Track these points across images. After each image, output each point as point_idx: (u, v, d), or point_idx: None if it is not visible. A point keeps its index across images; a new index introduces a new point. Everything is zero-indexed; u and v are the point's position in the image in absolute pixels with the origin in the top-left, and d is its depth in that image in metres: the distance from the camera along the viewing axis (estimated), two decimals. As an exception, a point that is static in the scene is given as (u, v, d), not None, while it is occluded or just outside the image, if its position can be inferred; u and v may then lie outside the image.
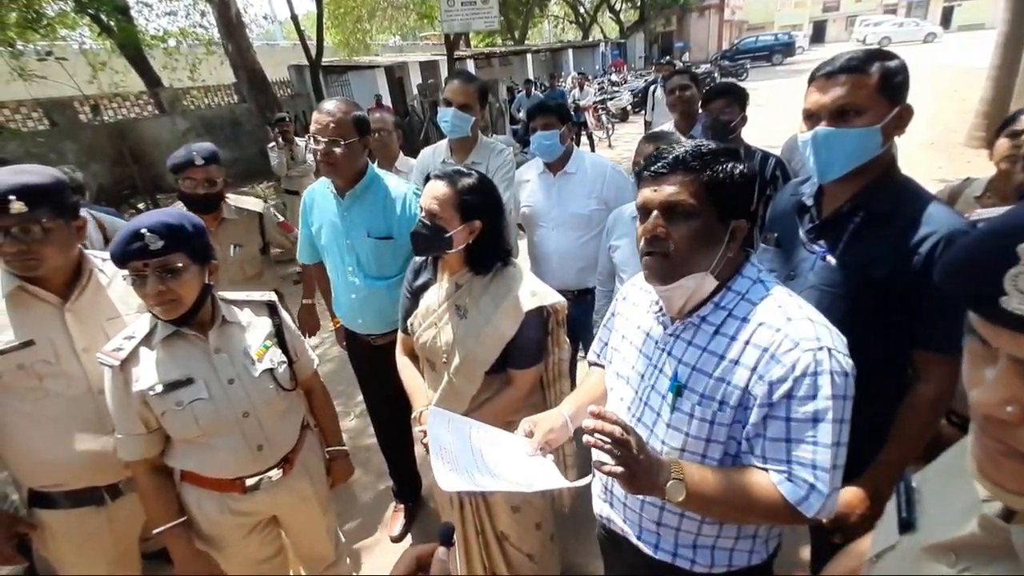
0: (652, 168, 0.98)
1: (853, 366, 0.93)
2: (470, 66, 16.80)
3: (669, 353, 1.04)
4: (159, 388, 1.32)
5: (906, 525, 0.65)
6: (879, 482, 1.18)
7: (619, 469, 0.85)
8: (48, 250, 1.36)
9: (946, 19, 36.71)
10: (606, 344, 1.31)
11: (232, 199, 2.39)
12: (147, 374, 1.33)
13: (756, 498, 0.92)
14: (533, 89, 11.61)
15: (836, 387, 0.89)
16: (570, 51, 23.40)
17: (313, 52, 11.02)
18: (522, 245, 2.26)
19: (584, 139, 10.43)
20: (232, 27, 9.16)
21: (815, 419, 0.90)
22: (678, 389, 1.00)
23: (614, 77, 18.69)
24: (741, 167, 0.96)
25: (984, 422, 0.48)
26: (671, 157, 0.96)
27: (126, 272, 1.29)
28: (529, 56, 20.85)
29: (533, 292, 1.49)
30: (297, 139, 5.73)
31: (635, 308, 1.19)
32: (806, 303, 1.00)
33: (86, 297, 1.47)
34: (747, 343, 0.94)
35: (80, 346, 1.44)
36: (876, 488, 1.17)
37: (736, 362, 0.95)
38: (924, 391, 1.17)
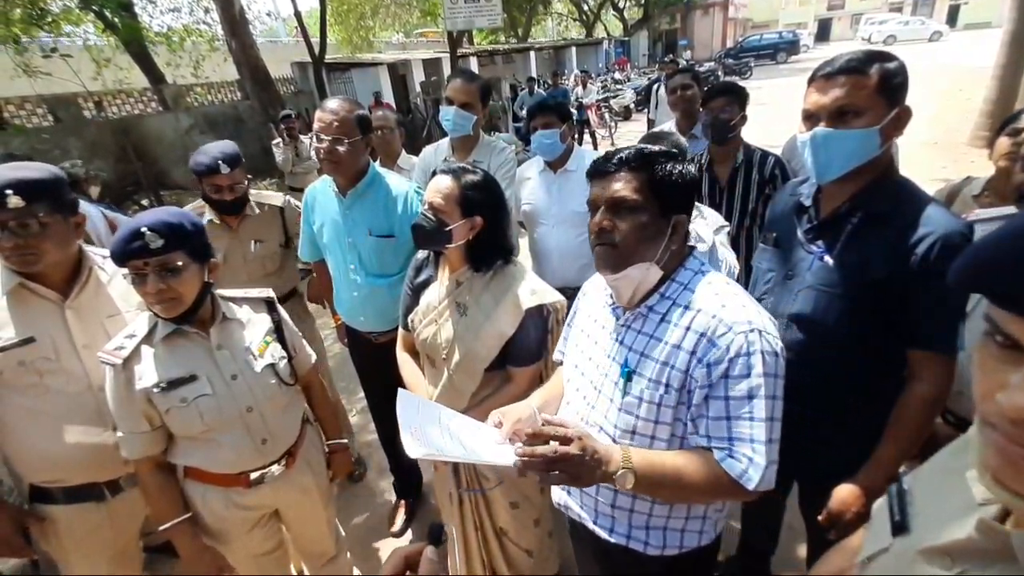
0: (599, 168, 1.08)
1: (783, 347, 1.02)
2: (473, 64, 16.78)
3: (621, 342, 1.12)
4: (163, 385, 1.34)
5: (899, 527, 0.65)
6: (874, 480, 1.18)
7: (564, 477, 0.92)
8: (46, 245, 1.36)
9: (952, 17, 36.49)
10: (566, 339, 1.38)
11: (253, 195, 2.38)
12: (150, 372, 1.34)
13: (702, 476, 0.99)
14: (536, 87, 11.59)
15: (767, 365, 0.97)
16: (573, 49, 23.34)
17: (316, 49, 11.02)
18: (523, 243, 2.27)
19: (587, 137, 10.42)
20: (235, 24, 9.16)
21: (750, 396, 0.97)
22: (628, 375, 1.08)
23: (617, 75, 18.65)
24: (680, 167, 1.05)
25: (1012, 427, 0.45)
26: (616, 158, 1.06)
27: (126, 270, 1.30)
28: (532, 54, 20.79)
29: (533, 290, 1.50)
30: (302, 136, 5.74)
31: (592, 303, 1.27)
32: (742, 290, 1.08)
33: (86, 294, 1.48)
34: (688, 329, 1.02)
35: (80, 343, 1.45)
36: (871, 486, 1.18)
37: (678, 347, 1.03)
38: (920, 390, 1.18)
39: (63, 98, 8.64)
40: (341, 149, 1.85)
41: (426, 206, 1.48)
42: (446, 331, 1.54)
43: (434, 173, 1.54)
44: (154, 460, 1.42)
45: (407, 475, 2.52)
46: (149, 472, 1.42)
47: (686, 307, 1.05)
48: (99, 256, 1.56)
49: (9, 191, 1.27)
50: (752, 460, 0.97)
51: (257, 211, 2.33)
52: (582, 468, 0.92)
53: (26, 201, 1.30)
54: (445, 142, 2.51)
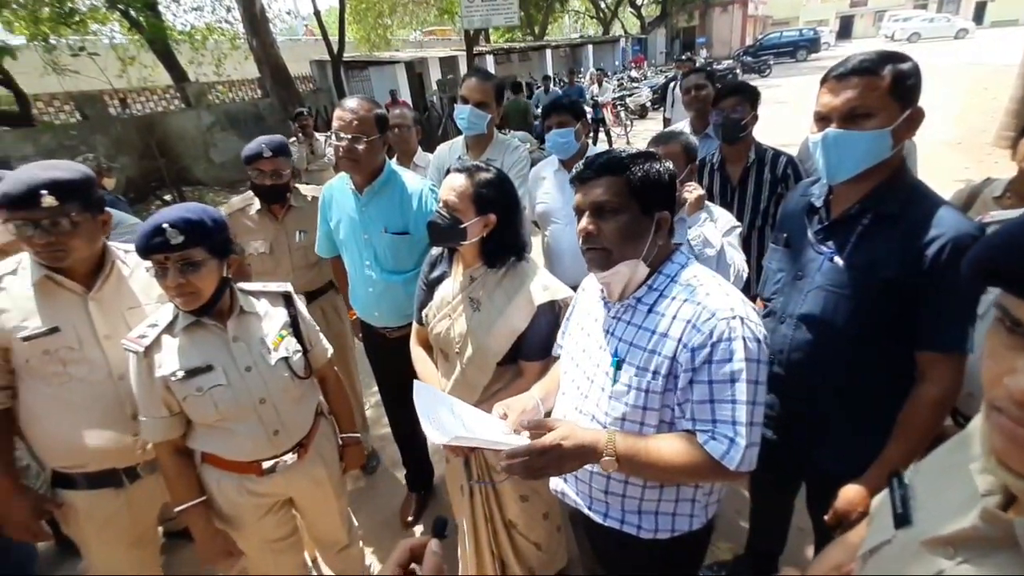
0: (580, 176, 1.14)
1: (766, 334, 1.07)
2: (489, 62, 16.80)
3: (612, 333, 1.18)
4: (180, 374, 1.38)
5: (902, 520, 0.67)
6: (881, 481, 1.17)
7: (550, 473, 1.03)
8: (75, 242, 1.41)
9: (979, 15, 35.62)
10: (564, 332, 1.43)
11: (303, 188, 2.50)
12: (169, 360, 1.39)
13: (686, 458, 1.04)
14: (552, 85, 11.58)
15: (749, 351, 1.02)
16: (590, 47, 23.26)
17: (335, 48, 11.14)
18: (535, 242, 2.28)
19: (602, 135, 10.39)
20: (256, 22, 9.31)
21: (732, 379, 1.02)
22: (618, 363, 1.14)
23: (634, 73, 18.54)
24: (658, 166, 1.11)
25: (1019, 410, 0.47)
26: (595, 165, 1.12)
27: (149, 264, 1.34)
28: (548, 52, 20.77)
29: (545, 286, 1.52)
30: (317, 134, 5.81)
31: (588, 298, 1.32)
32: (725, 281, 1.14)
33: (108, 287, 1.52)
34: (674, 318, 1.08)
35: (102, 333, 1.49)
36: (878, 486, 1.17)
37: (665, 335, 1.08)
38: (928, 391, 1.17)
39: (90, 95, 8.87)
40: (360, 147, 1.89)
41: (441, 204, 1.51)
42: (459, 326, 1.56)
43: (448, 171, 1.56)
44: (173, 444, 1.47)
45: (419, 468, 2.55)
46: (168, 456, 1.47)
47: (672, 297, 1.10)
48: (121, 250, 1.61)
49: (44, 191, 1.31)
50: (733, 441, 1.02)
51: (302, 203, 2.43)
52: (564, 462, 1.02)
53: (59, 201, 1.34)
54: (459, 140, 2.53)
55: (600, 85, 11.53)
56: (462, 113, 2.33)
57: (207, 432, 1.47)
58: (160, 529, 1.94)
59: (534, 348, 1.55)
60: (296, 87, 10.97)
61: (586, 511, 1.26)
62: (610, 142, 10.47)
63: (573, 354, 1.30)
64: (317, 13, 11.38)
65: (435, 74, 15.51)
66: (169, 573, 1.99)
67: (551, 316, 1.54)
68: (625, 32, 28.79)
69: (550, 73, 15.88)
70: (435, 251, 1.72)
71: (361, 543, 1.99)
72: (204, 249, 1.34)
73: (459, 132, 2.51)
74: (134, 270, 1.59)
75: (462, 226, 1.47)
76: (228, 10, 11.40)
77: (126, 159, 8.69)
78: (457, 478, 1.79)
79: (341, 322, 2.63)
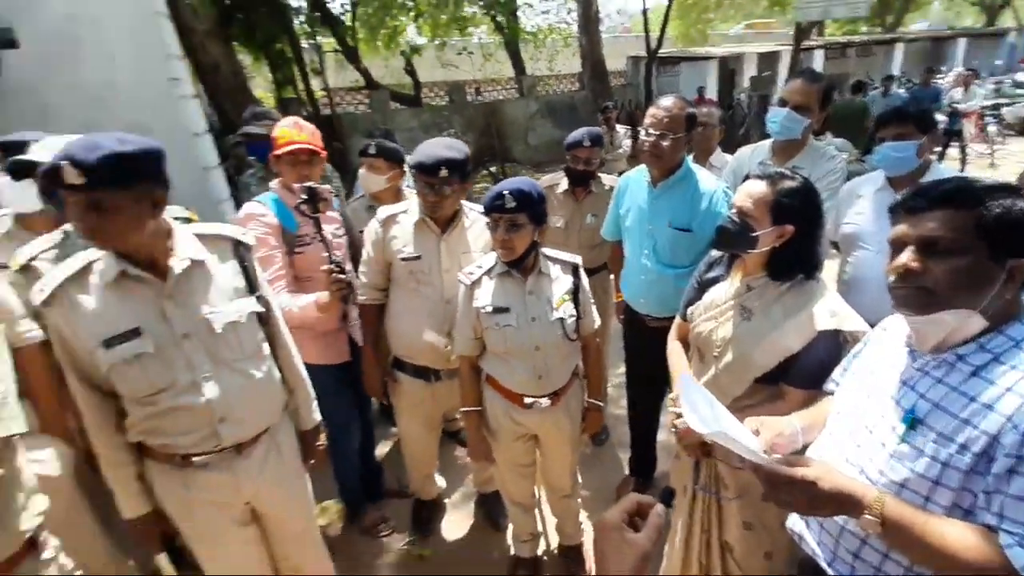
0: (909, 203, 0.99)
1: None
2: (818, 58, 14.85)
3: (912, 387, 1.02)
4: (489, 309, 1.76)
5: None
6: None
7: (795, 505, 0.95)
8: (449, 202, 1.92)
9: None
10: (846, 370, 1.28)
11: (604, 177, 2.85)
12: (484, 297, 1.78)
13: (972, 554, 0.86)
14: (894, 87, 9.53)
15: None
16: (962, 41, 18.25)
17: (654, 44, 11.44)
18: (829, 265, 2.05)
19: (954, 152, 8.21)
20: (589, 22, 10.22)
21: None
22: (912, 422, 0.98)
23: (1021, 77, 13.78)
24: (1022, 204, 0.90)
25: None
26: (933, 193, 0.96)
27: (485, 220, 1.73)
28: (900, 47, 17.10)
29: (833, 312, 1.40)
30: (618, 126, 6.15)
31: (889, 338, 1.17)
32: None
33: (455, 233, 2.01)
34: (1008, 390, 0.89)
35: (444, 266, 1.98)
36: None
37: (989, 407, 0.90)
38: None
39: (458, 84, 11.41)
40: (665, 144, 2.01)
41: (734, 210, 1.49)
42: (724, 330, 1.56)
43: (747, 177, 1.53)
44: (470, 360, 1.89)
45: (644, 455, 2.63)
46: (466, 367, 1.90)
47: (1013, 366, 0.90)
48: (467, 207, 2.10)
49: (443, 167, 1.82)
50: None
51: (600, 191, 2.76)
52: (815, 504, 0.93)
53: (449, 173, 1.83)
54: (765, 144, 2.40)
55: (967, 89, 8.96)
56: (775, 117, 2.20)
57: (494, 359, 1.85)
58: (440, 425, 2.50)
59: (803, 375, 1.44)
60: (609, 82, 11.69)
61: (823, 565, 1.14)
62: (963, 162, 8.21)
63: (854, 396, 1.17)
64: (644, 11, 11.75)
65: (749, 71, 14.45)
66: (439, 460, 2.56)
67: (832, 346, 1.41)
68: (1020, 23, 21.47)
69: (896, 72, 13.05)
70: (715, 253, 1.73)
71: (580, 499, 2.20)
72: (526, 216, 1.66)
73: (762, 135, 2.38)
74: (473, 223, 2.06)
75: (754, 234, 1.44)
76: (568, 11, 12.80)
77: (471, 136, 10.85)
78: (682, 477, 1.80)
79: (607, 301, 2.85)
